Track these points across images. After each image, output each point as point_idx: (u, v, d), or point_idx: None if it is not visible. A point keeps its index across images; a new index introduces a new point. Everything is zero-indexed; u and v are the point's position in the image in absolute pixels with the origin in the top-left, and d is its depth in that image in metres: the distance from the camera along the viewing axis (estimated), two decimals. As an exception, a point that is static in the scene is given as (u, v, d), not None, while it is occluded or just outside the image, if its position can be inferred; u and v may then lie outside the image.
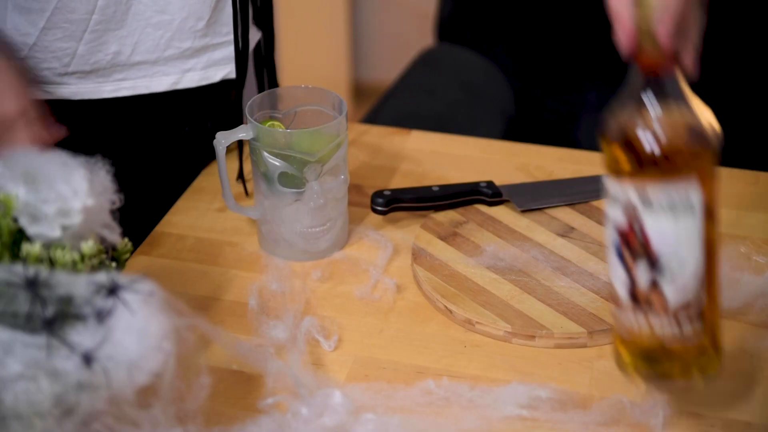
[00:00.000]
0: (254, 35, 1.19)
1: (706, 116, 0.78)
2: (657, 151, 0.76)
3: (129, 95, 1.13)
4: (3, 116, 0.93)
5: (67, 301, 0.73)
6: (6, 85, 0.95)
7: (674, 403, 0.91)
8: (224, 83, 1.19)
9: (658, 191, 0.76)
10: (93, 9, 1.06)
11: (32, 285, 0.72)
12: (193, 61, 1.15)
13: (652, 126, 0.76)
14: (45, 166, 0.81)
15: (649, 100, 0.77)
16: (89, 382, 0.71)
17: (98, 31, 1.07)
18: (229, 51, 1.17)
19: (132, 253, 1.03)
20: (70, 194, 0.80)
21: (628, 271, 0.77)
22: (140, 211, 1.10)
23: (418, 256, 1.08)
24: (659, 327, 0.78)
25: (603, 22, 2.06)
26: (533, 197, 1.16)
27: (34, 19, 1.04)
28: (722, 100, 1.94)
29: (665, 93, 0.77)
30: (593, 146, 1.58)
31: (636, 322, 0.79)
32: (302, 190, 1.06)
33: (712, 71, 1.90)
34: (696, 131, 0.76)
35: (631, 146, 0.77)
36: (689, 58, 0.78)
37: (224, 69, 1.18)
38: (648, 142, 0.76)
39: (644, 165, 0.77)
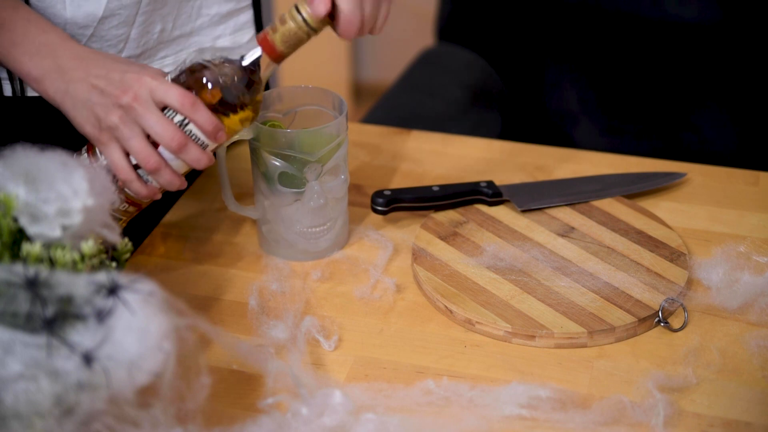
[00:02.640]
0: (248, 32, 1.21)
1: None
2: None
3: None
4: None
5: (67, 301, 0.73)
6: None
7: (674, 403, 0.91)
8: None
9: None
10: None
11: (32, 285, 0.72)
12: (222, 27, 1.19)
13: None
14: (45, 166, 0.81)
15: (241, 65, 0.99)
16: (89, 382, 0.71)
17: (147, 13, 1.10)
18: (251, 14, 1.21)
19: (132, 253, 1.03)
20: (70, 194, 0.80)
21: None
22: (140, 211, 1.10)
23: (418, 256, 1.08)
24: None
25: (602, 23, 2.06)
26: (533, 197, 1.16)
27: (93, 9, 1.05)
28: (723, 101, 1.94)
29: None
30: (593, 146, 1.58)
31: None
32: (302, 190, 1.06)
33: (714, 72, 1.90)
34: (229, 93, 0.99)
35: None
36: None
37: (250, 31, 1.22)
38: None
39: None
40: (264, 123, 1.08)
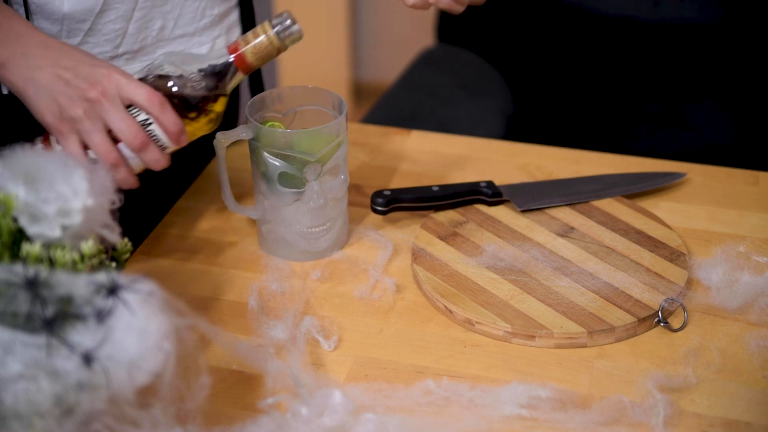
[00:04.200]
0: (236, 31, 1.22)
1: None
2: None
3: None
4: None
5: (67, 301, 0.73)
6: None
7: (674, 403, 0.91)
8: None
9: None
10: None
11: (32, 285, 0.72)
12: (219, 27, 1.20)
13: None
14: (45, 166, 0.81)
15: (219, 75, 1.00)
16: (89, 382, 0.71)
17: (146, 8, 1.10)
18: (238, 13, 1.23)
19: (132, 253, 1.03)
20: (70, 194, 0.80)
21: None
22: (140, 211, 1.10)
23: (418, 256, 1.08)
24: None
25: (602, 25, 2.06)
26: (533, 197, 1.16)
27: (90, 4, 1.06)
28: (723, 101, 1.94)
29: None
30: (593, 146, 1.58)
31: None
32: (302, 190, 1.06)
33: (714, 72, 1.90)
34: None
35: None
36: None
37: (238, 30, 1.23)
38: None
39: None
40: (264, 123, 1.08)
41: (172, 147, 1.00)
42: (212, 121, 1.02)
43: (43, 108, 0.97)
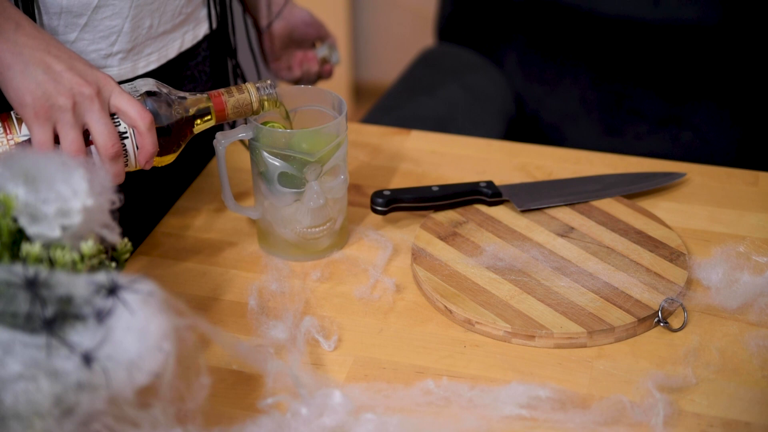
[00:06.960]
0: (203, 27, 1.22)
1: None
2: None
3: (154, 68, 1.17)
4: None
5: (67, 301, 0.73)
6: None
7: (674, 403, 0.91)
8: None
9: None
10: None
11: (32, 285, 0.72)
12: (189, 23, 1.20)
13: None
14: (45, 166, 0.81)
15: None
16: (89, 382, 0.71)
17: (139, 7, 1.10)
18: (205, 10, 1.23)
19: (132, 253, 1.03)
20: (70, 194, 0.80)
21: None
22: (140, 211, 1.10)
23: (417, 256, 1.08)
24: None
25: (602, 25, 2.06)
26: (533, 197, 1.16)
27: None
28: (723, 101, 1.94)
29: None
30: (593, 146, 1.58)
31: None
32: (302, 190, 1.06)
33: (714, 72, 1.90)
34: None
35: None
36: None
37: (205, 25, 1.23)
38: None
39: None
40: (264, 123, 1.08)
41: (132, 167, 1.00)
42: (174, 155, 1.03)
43: (25, 88, 0.95)
